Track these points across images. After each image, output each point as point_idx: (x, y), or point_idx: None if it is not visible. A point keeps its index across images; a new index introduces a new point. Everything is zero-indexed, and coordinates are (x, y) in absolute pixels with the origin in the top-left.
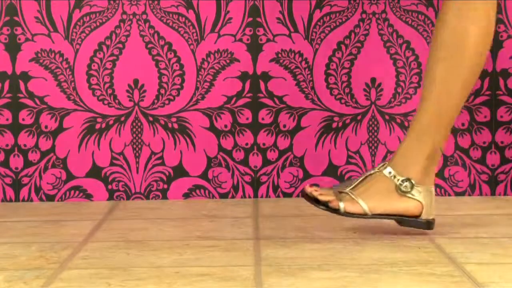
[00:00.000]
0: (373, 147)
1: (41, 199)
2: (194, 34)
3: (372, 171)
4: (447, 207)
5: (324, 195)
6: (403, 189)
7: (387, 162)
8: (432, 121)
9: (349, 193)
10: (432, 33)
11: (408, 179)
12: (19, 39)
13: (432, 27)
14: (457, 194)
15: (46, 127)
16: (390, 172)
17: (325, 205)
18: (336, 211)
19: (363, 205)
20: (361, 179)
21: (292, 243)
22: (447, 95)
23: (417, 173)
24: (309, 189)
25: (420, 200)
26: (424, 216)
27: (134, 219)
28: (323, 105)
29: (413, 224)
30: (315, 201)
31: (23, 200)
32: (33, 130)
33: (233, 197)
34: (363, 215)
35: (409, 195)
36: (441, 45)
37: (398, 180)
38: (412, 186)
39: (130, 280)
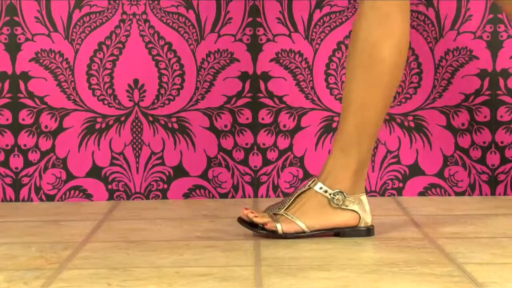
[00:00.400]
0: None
1: (41, 199)
2: (194, 34)
3: (303, 189)
4: (447, 207)
5: (260, 217)
6: (336, 202)
7: (316, 178)
8: (355, 134)
9: (284, 214)
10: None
11: (339, 192)
12: (19, 39)
13: (432, 27)
14: (457, 194)
15: (46, 127)
16: (321, 188)
17: (262, 228)
18: (274, 232)
19: (300, 224)
20: (293, 198)
21: (292, 243)
22: (367, 109)
23: (346, 184)
24: (244, 212)
25: (354, 209)
26: (362, 224)
27: (134, 219)
28: (323, 105)
29: (353, 234)
30: (251, 225)
31: (23, 200)
32: (33, 130)
33: (233, 197)
34: (302, 233)
35: (343, 207)
36: (357, 58)
37: (330, 194)
38: (344, 198)
39: (130, 280)
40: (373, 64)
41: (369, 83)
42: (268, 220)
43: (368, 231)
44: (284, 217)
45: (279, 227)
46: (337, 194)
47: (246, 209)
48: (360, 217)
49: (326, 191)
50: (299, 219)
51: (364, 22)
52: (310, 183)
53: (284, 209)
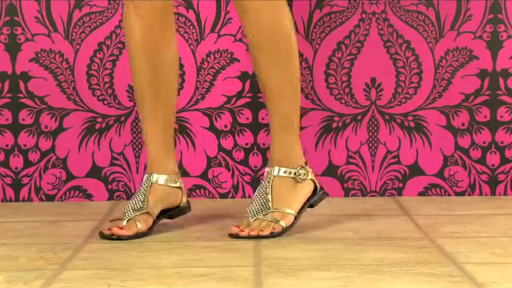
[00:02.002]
0: (373, 147)
1: (41, 199)
2: (194, 34)
3: (266, 184)
4: (447, 207)
5: (255, 229)
6: (303, 177)
7: (271, 168)
8: (288, 113)
9: (276, 211)
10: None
11: (301, 167)
12: (19, 39)
13: (432, 27)
14: (457, 194)
15: (46, 127)
16: (284, 171)
17: (271, 234)
18: (283, 231)
19: (290, 211)
20: (270, 194)
21: (292, 243)
22: (290, 87)
23: (302, 159)
24: (242, 234)
25: (312, 178)
26: (318, 188)
27: None
28: (323, 105)
29: (321, 198)
30: (256, 237)
31: (23, 200)
32: (33, 130)
33: (233, 197)
34: (295, 220)
35: (307, 178)
36: (266, 46)
37: (295, 173)
38: (307, 170)
39: (130, 281)
40: (284, 45)
41: (286, 65)
42: (271, 227)
43: (325, 192)
44: (277, 213)
45: (283, 224)
46: (301, 169)
47: (241, 230)
48: (315, 182)
49: (290, 172)
50: (287, 208)
51: (253, 15)
52: (268, 174)
53: (272, 207)
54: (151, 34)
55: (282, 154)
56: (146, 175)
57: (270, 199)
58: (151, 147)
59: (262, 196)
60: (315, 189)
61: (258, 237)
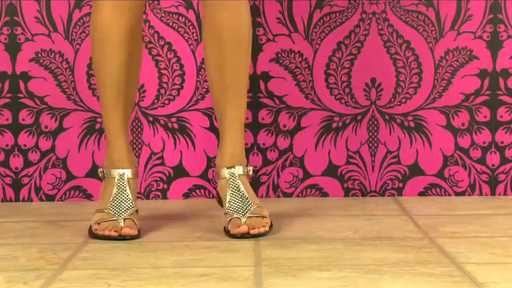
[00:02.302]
0: (373, 147)
1: (41, 199)
2: (194, 34)
3: (237, 182)
4: (447, 207)
5: (266, 226)
6: (251, 173)
7: (233, 167)
8: (244, 109)
9: (257, 206)
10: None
11: (248, 163)
12: (19, 39)
13: (432, 27)
14: (457, 194)
15: (46, 127)
16: (243, 169)
17: (267, 230)
18: (270, 227)
19: (260, 203)
20: (244, 193)
21: (292, 243)
22: (245, 80)
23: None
24: (253, 231)
25: None
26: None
27: None
28: (323, 105)
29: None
30: (254, 236)
31: (23, 200)
32: (33, 130)
33: None
34: None
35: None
36: (229, 41)
37: (248, 170)
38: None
39: (130, 281)
40: (248, 41)
41: (247, 60)
42: (264, 221)
43: None
44: (258, 208)
45: (267, 216)
46: (249, 166)
47: (251, 229)
48: None
49: (247, 170)
50: (259, 201)
51: (225, 13)
52: (232, 173)
53: (256, 203)
54: (132, 32)
55: (240, 152)
56: (119, 171)
57: (248, 196)
58: (120, 142)
59: (240, 195)
60: None
61: (262, 234)
